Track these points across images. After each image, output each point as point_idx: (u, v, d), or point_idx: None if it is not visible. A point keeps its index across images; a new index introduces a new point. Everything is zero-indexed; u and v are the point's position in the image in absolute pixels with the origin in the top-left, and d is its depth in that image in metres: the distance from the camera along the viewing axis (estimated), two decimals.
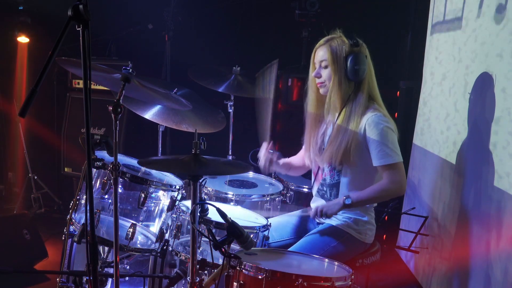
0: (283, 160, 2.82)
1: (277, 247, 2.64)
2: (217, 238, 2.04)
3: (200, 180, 2.16)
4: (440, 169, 3.38)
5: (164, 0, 4.78)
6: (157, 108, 3.11)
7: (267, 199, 3.08)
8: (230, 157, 3.75)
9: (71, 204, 2.61)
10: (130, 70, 2.25)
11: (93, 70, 2.23)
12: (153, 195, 2.68)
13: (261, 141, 2.75)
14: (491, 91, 2.69)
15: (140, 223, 2.68)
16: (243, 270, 1.99)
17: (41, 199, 4.77)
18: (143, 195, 2.56)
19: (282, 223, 2.77)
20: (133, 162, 2.91)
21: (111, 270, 2.58)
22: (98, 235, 2.46)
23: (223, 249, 2.01)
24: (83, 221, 2.47)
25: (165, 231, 2.67)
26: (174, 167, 2.47)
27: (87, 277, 1.68)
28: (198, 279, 2.17)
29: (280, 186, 3.25)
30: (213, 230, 2.26)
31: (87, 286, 2.37)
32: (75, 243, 2.64)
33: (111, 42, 4.84)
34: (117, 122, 2.04)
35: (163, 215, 2.71)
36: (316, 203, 2.71)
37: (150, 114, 3.08)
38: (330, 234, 2.57)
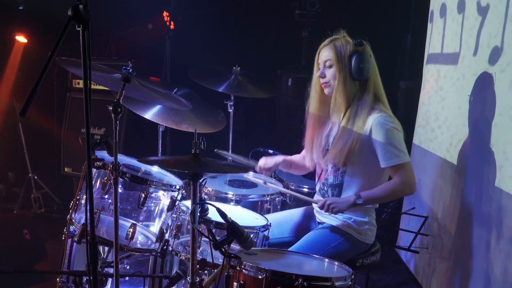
0: (283, 157, 2.83)
1: (276, 243, 2.64)
2: (217, 238, 2.04)
3: (200, 180, 2.16)
4: (440, 169, 3.38)
5: (164, 0, 4.78)
6: (157, 108, 3.11)
7: (267, 199, 3.08)
8: (230, 158, 3.74)
9: (71, 204, 2.60)
10: (130, 70, 2.25)
11: (93, 70, 2.23)
12: (153, 195, 2.67)
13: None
14: (491, 90, 2.69)
15: (140, 223, 2.67)
16: (243, 270, 1.99)
17: (41, 199, 4.78)
18: (143, 195, 2.55)
19: (283, 220, 2.77)
20: (133, 162, 2.91)
21: (111, 270, 2.58)
22: (98, 235, 2.46)
23: (223, 249, 2.01)
24: (83, 221, 2.47)
25: (165, 231, 2.67)
26: (174, 167, 2.47)
27: (87, 277, 1.68)
28: (198, 279, 2.17)
29: (280, 186, 3.25)
30: (213, 230, 2.26)
31: (87, 286, 2.37)
32: (75, 243, 2.63)
33: (111, 42, 4.84)
34: (117, 122, 2.04)
35: (163, 215, 2.71)
36: None
37: (150, 114, 3.08)
38: (331, 234, 2.57)
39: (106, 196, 2.59)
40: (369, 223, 2.61)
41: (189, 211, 2.30)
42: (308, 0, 4.70)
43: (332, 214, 2.56)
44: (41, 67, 1.57)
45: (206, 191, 3.01)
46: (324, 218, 2.67)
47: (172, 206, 2.66)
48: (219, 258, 2.35)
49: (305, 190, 3.25)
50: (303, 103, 2.75)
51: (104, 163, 2.37)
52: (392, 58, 4.79)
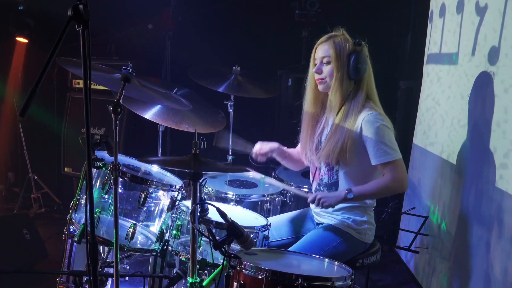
0: (278, 144, 2.83)
1: (276, 246, 2.64)
2: (217, 238, 2.04)
3: (200, 180, 2.16)
4: (440, 169, 3.38)
5: (164, 0, 4.78)
6: (157, 108, 3.11)
7: (267, 199, 3.09)
8: (230, 157, 3.75)
9: (71, 204, 2.61)
10: (130, 70, 2.25)
11: (93, 70, 2.23)
12: (153, 195, 2.67)
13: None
14: (490, 90, 2.70)
15: (140, 223, 2.67)
16: (243, 270, 1.99)
17: (41, 199, 4.78)
18: (143, 195, 2.55)
19: (282, 222, 2.77)
20: (133, 162, 2.91)
21: (111, 270, 2.58)
22: (98, 235, 2.46)
23: (223, 249, 2.01)
24: (83, 221, 2.47)
25: (165, 231, 2.67)
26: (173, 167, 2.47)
27: (87, 277, 1.67)
28: (198, 279, 2.17)
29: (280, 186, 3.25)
30: (213, 230, 2.26)
31: (87, 286, 2.37)
32: (75, 243, 2.63)
33: (111, 42, 4.84)
34: (117, 122, 2.04)
35: (163, 215, 2.71)
36: None
37: (150, 114, 3.08)
38: (330, 234, 2.57)
39: (106, 196, 2.59)
40: (368, 222, 2.61)
41: (189, 211, 2.30)
42: (308, 0, 4.70)
43: (329, 212, 2.57)
44: (41, 67, 1.57)
45: (206, 191, 3.01)
46: (323, 218, 2.67)
47: (172, 206, 2.66)
48: (219, 258, 2.35)
49: (305, 190, 3.25)
50: (303, 103, 2.75)
51: (104, 163, 2.37)
52: (392, 58, 4.79)
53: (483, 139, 2.75)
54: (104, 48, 4.86)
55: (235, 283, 1.99)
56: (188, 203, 2.57)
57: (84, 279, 2.34)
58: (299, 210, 2.88)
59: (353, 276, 2.04)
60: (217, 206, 2.08)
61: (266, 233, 2.54)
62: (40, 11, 4.71)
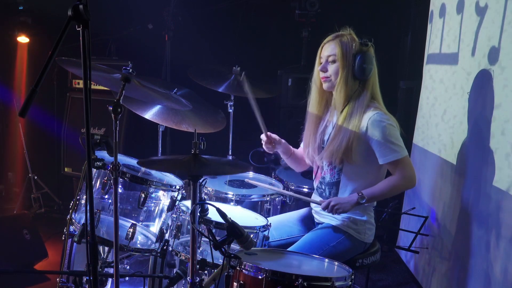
0: (285, 142, 2.81)
1: (276, 246, 2.64)
2: (217, 238, 2.04)
3: (200, 180, 2.16)
4: (440, 169, 3.38)
5: (164, 0, 4.78)
6: (157, 108, 3.11)
7: (267, 199, 3.08)
8: (230, 157, 3.74)
9: (71, 204, 2.61)
10: (130, 70, 2.25)
11: (93, 70, 2.23)
12: (153, 195, 2.68)
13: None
14: (491, 90, 2.70)
15: (140, 223, 2.68)
16: (243, 270, 1.99)
17: (41, 199, 4.78)
18: (143, 195, 2.56)
19: (282, 222, 2.77)
20: (133, 162, 2.91)
21: (111, 270, 2.58)
22: (98, 235, 2.46)
23: (223, 249, 2.01)
24: (83, 221, 2.47)
25: (165, 231, 2.67)
26: (174, 168, 2.47)
27: (87, 277, 1.68)
28: (198, 279, 2.17)
29: (280, 186, 3.25)
30: (213, 230, 2.26)
31: (87, 286, 2.37)
32: (75, 243, 2.63)
33: (111, 42, 4.84)
34: (117, 122, 2.04)
35: (163, 215, 2.71)
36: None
37: (150, 114, 3.08)
38: (330, 234, 2.57)
39: (106, 196, 2.59)
40: (368, 221, 2.61)
41: (189, 211, 2.30)
42: (308, 0, 4.70)
43: (334, 215, 2.56)
44: (41, 67, 1.57)
45: (206, 191, 3.01)
46: (323, 218, 2.67)
47: (172, 206, 2.67)
48: (219, 258, 2.35)
49: (305, 190, 3.25)
50: (303, 103, 2.75)
51: (104, 163, 2.37)
52: (392, 58, 4.79)
53: (483, 139, 2.75)
54: (104, 48, 4.86)
55: (235, 283, 1.99)
56: (188, 203, 2.57)
57: (84, 279, 2.34)
58: (299, 210, 2.88)
59: (353, 276, 2.04)
60: (217, 206, 2.08)
61: (266, 233, 2.54)
62: (40, 11, 4.70)
